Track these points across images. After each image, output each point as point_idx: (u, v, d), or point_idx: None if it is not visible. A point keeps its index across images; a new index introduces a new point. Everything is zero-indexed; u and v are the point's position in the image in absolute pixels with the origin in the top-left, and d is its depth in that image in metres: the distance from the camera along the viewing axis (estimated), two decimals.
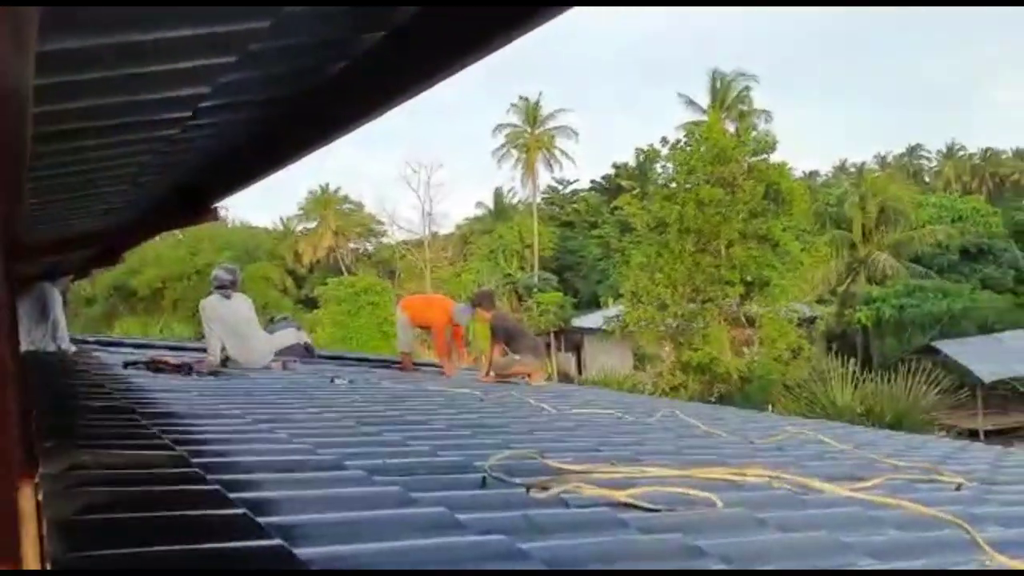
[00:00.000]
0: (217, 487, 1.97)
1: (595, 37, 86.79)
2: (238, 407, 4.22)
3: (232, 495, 1.90)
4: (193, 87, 1.82)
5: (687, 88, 48.65)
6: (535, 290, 38.46)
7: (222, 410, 4.07)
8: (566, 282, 42.84)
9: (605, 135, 79.74)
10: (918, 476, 3.24)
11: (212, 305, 7.41)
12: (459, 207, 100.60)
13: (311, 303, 38.38)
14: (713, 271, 24.48)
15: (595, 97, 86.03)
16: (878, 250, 32.99)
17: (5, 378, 1.58)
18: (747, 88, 37.18)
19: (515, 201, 50.75)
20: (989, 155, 54.90)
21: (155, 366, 6.24)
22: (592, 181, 52.09)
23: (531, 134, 47.10)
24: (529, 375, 8.53)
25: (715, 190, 24.22)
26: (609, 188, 49.41)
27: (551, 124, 47.45)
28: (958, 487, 3.11)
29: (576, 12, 1.42)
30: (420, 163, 40.84)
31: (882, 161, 57.47)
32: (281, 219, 53.48)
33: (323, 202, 50.09)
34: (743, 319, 25.28)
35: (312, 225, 50.56)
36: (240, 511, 1.72)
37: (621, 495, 2.36)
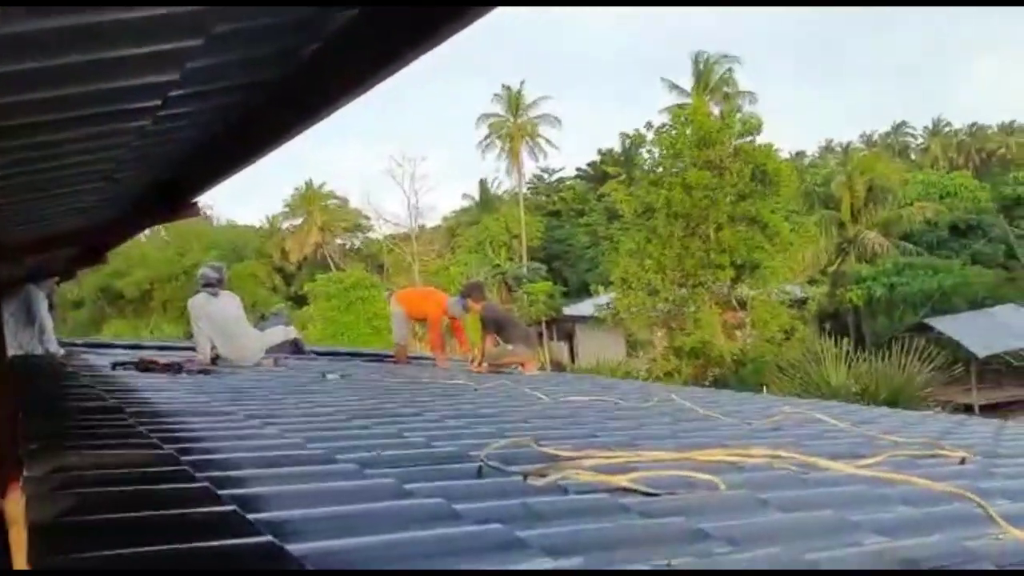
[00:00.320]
0: (206, 484, 1.91)
1: (575, 25, 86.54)
2: (228, 404, 4.16)
3: (221, 492, 1.84)
4: (160, 74, 1.75)
5: (669, 72, 48.47)
6: (524, 280, 38.40)
7: (212, 408, 4.00)
8: (555, 271, 42.81)
9: (589, 122, 79.70)
10: (920, 452, 3.20)
11: (200, 303, 7.33)
12: (445, 199, 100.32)
13: (300, 300, 38.22)
14: (703, 255, 24.47)
15: (577, 84, 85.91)
16: (867, 229, 33.06)
17: None
18: (730, 70, 37.16)
19: (501, 192, 50.67)
20: (975, 130, 55.05)
21: (144, 366, 6.16)
22: (577, 169, 52.08)
23: (514, 123, 46.95)
24: (522, 364, 8.49)
25: (702, 173, 24.18)
26: (595, 175, 49.39)
27: (534, 112, 47.33)
28: (962, 461, 3.08)
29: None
30: (404, 156, 40.57)
31: (868, 140, 57.62)
32: (267, 217, 53.27)
33: (308, 198, 49.86)
34: (734, 302, 25.31)
35: (298, 222, 50.33)
36: (230, 508, 1.66)
37: (620, 480, 2.32)
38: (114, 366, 6.15)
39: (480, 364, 8.56)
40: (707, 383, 21.13)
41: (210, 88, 2.01)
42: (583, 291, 39.27)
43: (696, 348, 23.87)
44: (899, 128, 58.67)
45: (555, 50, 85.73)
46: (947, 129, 56.48)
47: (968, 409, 19.80)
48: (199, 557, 1.37)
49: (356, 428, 3.51)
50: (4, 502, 3.41)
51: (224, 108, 2.23)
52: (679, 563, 1.55)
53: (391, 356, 9.53)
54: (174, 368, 6.21)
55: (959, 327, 23.42)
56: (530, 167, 49.87)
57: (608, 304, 27.33)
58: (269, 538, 1.43)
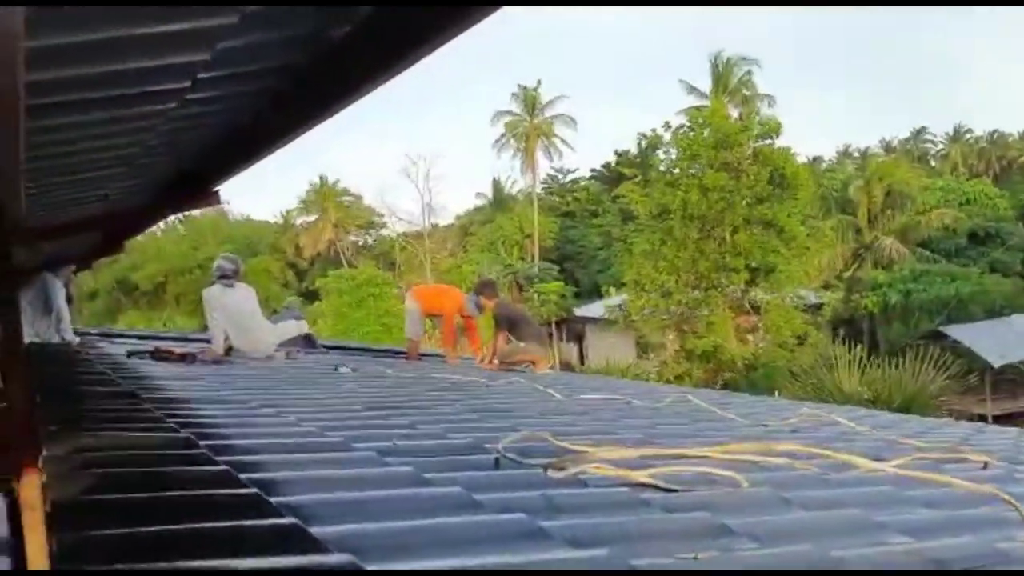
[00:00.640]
0: (226, 468, 1.90)
1: (594, 25, 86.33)
2: (242, 393, 4.16)
3: (241, 476, 1.83)
4: (191, 53, 1.74)
5: (688, 74, 48.34)
6: (536, 280, 38.35)
7: (227, 396, 4.00)
8: (567, 272, 42.71)
9: (605, 124, 79.24)
10: (943, 456, 3.16)
11: (215, 295, 7.34)
12: (458, 197, 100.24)
13: (312, 296, 38.34)
14: (717, 258, 24.35)
15: (594, 85, 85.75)
16: (884, 235, 32.83)
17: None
18: (748, 73, 36.97)
19: (515, 191, 50.61)
20: (996, 137, 54.51)
21: (159, 355, 6.18)
22: (592, 170, 51.91)
23: (530, 123, 46.90)
24: (533, 363, 8.46)
25: (719, 175, 24.07)
26: (610, 176, 49.23)
27: (550, 112, 47.24)
28: (985, 466, 3.03)
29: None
30: (419, 155, 40.63)
31: (887, 145, 57.15)
32: (282, 212, 53.47)
33: (323, 195, 49.99)
34: (748, 306, 25.17)
35: (312, 218, 50.48)
36: (251, 491, 1.65)
37: (640, 475, 2.29)
38: (129, 355, 6.18)
39: (491, 361, 8.54)
40: (718, 387, 21.02)
41: (240, 71, 2.00)
42: (594, 292, 39.17)
43: (708, 351, 23.76)
44: (919, 134, 58.19)
45: (573, 50, 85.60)
46: (968, 136, 55.98)
47: (982, 419, 19.61)
48: (223, 538, 1.36)
49: (371, 418, 3.50)
50: (20, 486, 3.41)
51: (253, 93, 2.22)
52: (705, 557, 1.53)
53: (403, 353, 9.53)
54: (188, 358, 6.23)
55: (975, 335, 23.19)
56: (544, 167, 49.85)
57: (620, 306, 27.25)
58: (293, 520, 1.42)
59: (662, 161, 28.74)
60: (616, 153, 50.13)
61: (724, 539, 1.72)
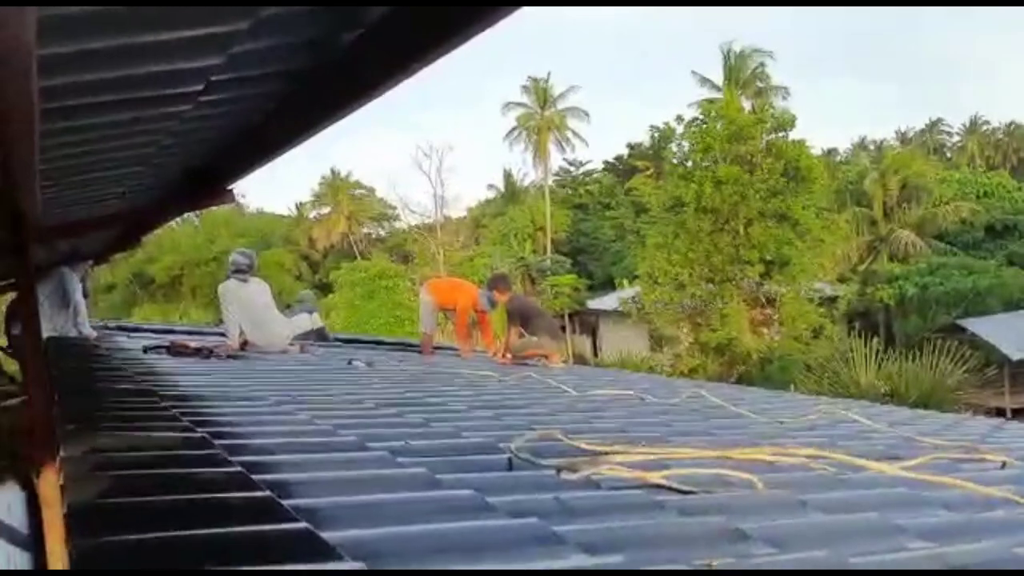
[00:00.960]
0: (240, 469, 1.91)
1: (606, 16, 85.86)
2: (258, 389, 4.18)
3: (255, 477, 1.84)
4: (205, 58, 1.74)
5: (700, 66, 47.92)
6: (548, 273, 38.30)
7: (242, 392, 4.02)
8: (580, 264, 42.64)
9: (617, 116, 79.07)
10: (961, 455, 3.13)
11: (230, 289, 7.38)
12: (470, 188, 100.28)
13: (326, 288, 38.47)
14: (731, 250, 24.25)
15: (607, 78, 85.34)
16: (900, 227, 32.58)
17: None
18: (762, 64, 36.66)
19: (526, 183, 50.52)
20: (1013, 129, 53.85)
21: (175, 350, 6.22)
22: (605, 162, 51.74)
23: (542, 115, 46.75)
24: (546, 357, 8.45)
25: (733, 168, 23.95)
26: (623, 169, 49.06)
27: (562, 105, 47.06)
28: (1003, 465, 3.00)
29: None
30: (431, 146, 40.57)
31: (902, 137, 56.62)
32: (296, 205, 53.64)
33: (336, 188, 50.10)
34: (762, 299, 25.06)
35: (325, 211, 50.61)
36: (265, 493, 1.65)
37: (655, 477, 2.28)
38: (146, 349, 6.21)
39: (504, 355, 8.54)
40: (732, 380, 20.95)
41: (252, 74, 2.00)
42: (608, 285, 39.09)
43: (722, 344, 23.69)
44: (935, 125, 57.60)
45: (585, 42, 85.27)
46: (985, 127, 55.35)
47: (1000, 412, 19.45)
48: (235, 542, 1.36)
49: (385, 416, 3.51)
50: (40, 483, 3.44)
51: (264, 95, 2.22)
52: (720, 564, 1.52)
53: (416, 346, 9.54)
54: (204, 352, 6.26)
55: (993, 329, 23.00)
56: (557, 160, 49.72)
57: (633, 298, 27.19)
58: (305, 525, 1.42)
59: (675, 154, 28.61)
60: (629, 146, 49.97)
61: (740, 544, 1.70)
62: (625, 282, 32.64)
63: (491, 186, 52.73)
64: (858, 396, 12.40)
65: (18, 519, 3.81)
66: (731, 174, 23.88)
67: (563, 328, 32.01)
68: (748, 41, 40.59)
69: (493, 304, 8.91)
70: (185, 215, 43.69)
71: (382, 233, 52.19)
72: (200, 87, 1.91)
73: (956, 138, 57.39)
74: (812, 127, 73.82)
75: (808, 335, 23.83)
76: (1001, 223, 34.93)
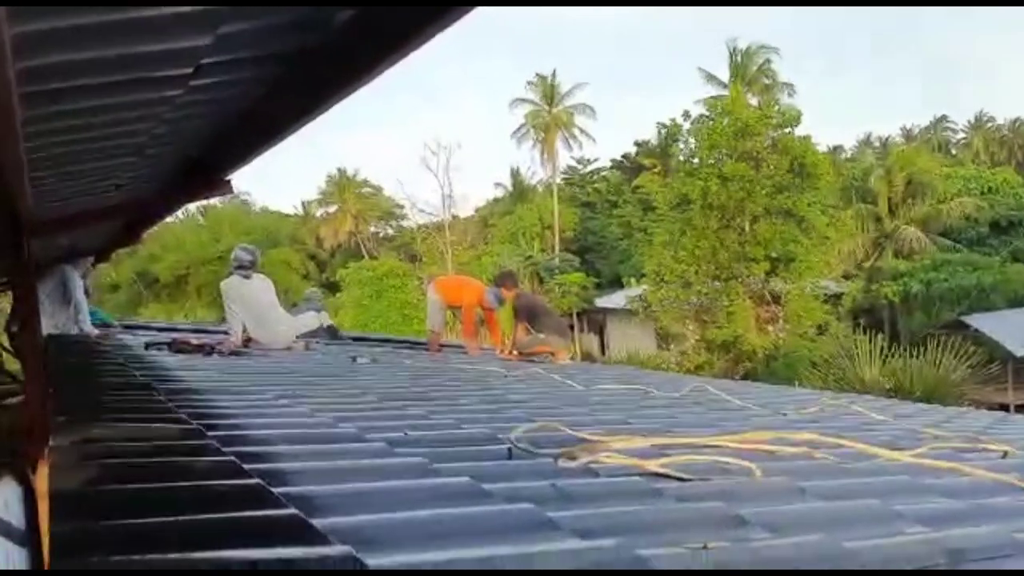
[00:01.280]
0: (232, 458, 1.89)
1: (611, 14, 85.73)
2: (258, 384, 4.16)
3: (248, 466, 1.82)
4: (193, 38, 1.71)
5: (706, 63, 47.83)
6: (556, 271, 38.25)
7: (242, 387, 4.00)
8: (587, 263, 42.56)
9: (624, 113, 78.96)
10: (962, 445, 3.10)
11: (233, 285, 7.37)
12: (478, 188, 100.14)
13: (333, 287, 38.48)
14: (737, 248, 24.20)
15: (614, 75, 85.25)
16: (905, 224, 32.45)
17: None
18: (768, 61, 36.56)
19: (534, 181, 50.47)
20: (1018, 125, 53.59)
21: (177, 347, 6.21)
22: (612, 160, 51.64)
23: (549, 113, 46.68)
24: (553, 354, 8.43)
25: (739, 165, 23.89)
26: (630, 167, 48.95)
27: (569, 102, 46.99)
28: (1004, 455, 2.97)
29: None
30: (439, 144, 40.51)
31: (907, 134, 56.40)
32: (302, 203, 53.67)
33: (342, 186, 50.10)
34: (768, 296, 25.00)
35: (332, 209, 50.62)
36: (254, 481, 1.63)
37: (652, 464, 2.26)
38: (147, 346, 6.20)
39: (511, 352, 8.52)
40: (738, 377, 20.89)
41: (244, 56, 1.97)
42: (615, 283, 39.02)
43: (728, 342, 23.64)
44: (940, 122, 57.36)
45: (591, 39, 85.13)
46: (989, 124, 55.09)
47: (1003, 409, 19.32)
48: (219, 528, 1.34)
49: (386, 409, 3.49)
50: (35, 478, 3.43)
51: (256, 79, 2.20)
52: (716, 547, 1.49)
53: (423, 344, 9.53)
54: (206, 349, 6.25)
55: (997, 325, 22.89)
56: (564, 157, 49.64)
57: (640, 296, 27.15)
58: (292, 510, 1.40)
59: (681, 151, 28.56)
60: (636, 143, 49.85)
61: (737, 529, 1.68)
62: (633, 280, 32.58)
63: (499, 184, 52.75)
64: (862, 392, 12.35)
65: (15, 515, 3.80)
66: (737, 170, 23.81)
67: (571, 327, 31.96)
68: (755, 37, 40.48)
69: (500, 301, 8.90)
70: (189, 212, 43.79)
71: (390, 232, 52.18)
72: (190, 70, 1.89)
73: (961, 135, 57.14)
74: (818, 124, 73.62)
75: (813, 332, 23.77)
76: (1006, 219, 34.76)
